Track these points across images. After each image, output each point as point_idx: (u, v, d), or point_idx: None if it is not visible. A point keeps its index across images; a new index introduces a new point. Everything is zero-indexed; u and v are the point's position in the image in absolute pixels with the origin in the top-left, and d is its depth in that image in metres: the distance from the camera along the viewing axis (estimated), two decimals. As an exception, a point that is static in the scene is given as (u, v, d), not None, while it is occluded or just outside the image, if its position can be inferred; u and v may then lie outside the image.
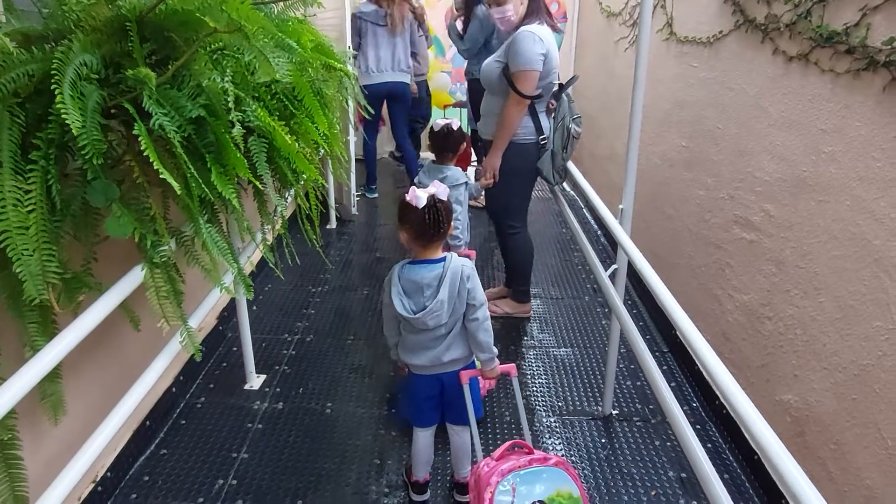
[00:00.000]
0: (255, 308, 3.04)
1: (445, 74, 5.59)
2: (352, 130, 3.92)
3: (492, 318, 3.10)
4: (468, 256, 2.63)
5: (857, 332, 1.57)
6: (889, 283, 1.45)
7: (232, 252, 1.69)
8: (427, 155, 5.79)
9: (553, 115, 2.80)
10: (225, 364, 2.58)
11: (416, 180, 2.62)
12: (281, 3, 2.48)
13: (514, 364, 1.85)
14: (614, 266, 2.14)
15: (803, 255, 1.81)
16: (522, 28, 2.56)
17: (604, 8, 4.32)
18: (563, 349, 2.80)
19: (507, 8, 2.64)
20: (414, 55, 4.29)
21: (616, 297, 1.97)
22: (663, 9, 3.00)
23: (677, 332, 1.43)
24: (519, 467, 1.61)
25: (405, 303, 1.61)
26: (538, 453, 1.66)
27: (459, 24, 3.76)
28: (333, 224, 4.14)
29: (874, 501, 1.48)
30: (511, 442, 1.69)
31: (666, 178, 2.94)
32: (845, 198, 1.63)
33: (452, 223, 2.52)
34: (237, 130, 1.37)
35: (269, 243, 2.04)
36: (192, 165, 1.39)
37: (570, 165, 2.87)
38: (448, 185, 2.49)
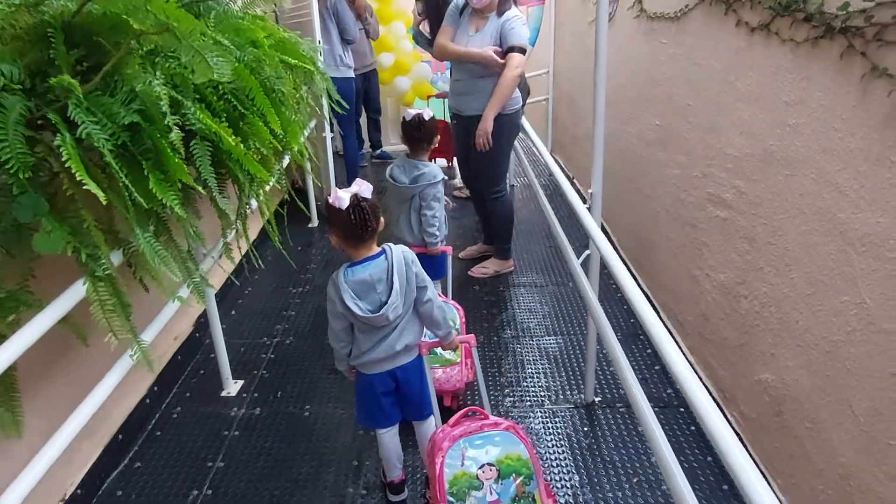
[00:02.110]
0: (233, 313, 3.01)
1: (426, 64, 5.52)
2: (327, 127, 3.86)
3: (483, 278, 3.25)
4: (444, 252, 2.59)
5: (827, 308, 1.53)
6: (855, 256, 1.41)
7: (184, 260, 1.65)
8: (392, 148, 5.77)
9: None
10: (202, 371, 2.55)
11: (388, 175, 2.56)
12: (239, 1, 2.44)
13: (472, 335, 1.89)
14: (587, 252, 2.09)
15: (774, 231, 1.76)
16: (508, 13, 2.80)
17: (578, -12, 4.25)
18: (548, 337, 2.76)
19: None
20: (346, 41, 4.05)
21: (586, 283, 1.93)
22: (632, -15, 2.94)
23: (638, 321, 1.37)
24: (470, 432, 1.63)
25: (360, 305, 1.58)
26: (492, 418, 1.67)
27: (426, 28, 3.61)
28: (315, 223, 4.10)
29: (849, 479, 1.45)
30: (467, 408, 1.70)
31: (642, 158, 2.89)
32: (810, 171, 1.58)
33: (431, 220, 2.50)
34: (175, 135, 1.33)
35: (230, 248, 2.01)
36: (127, 174, 1.35)
37: (546, 155, 2.81)
38: (426, 182, 2.46)
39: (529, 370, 2.53)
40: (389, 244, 1.65)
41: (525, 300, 3.08)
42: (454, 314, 2.22)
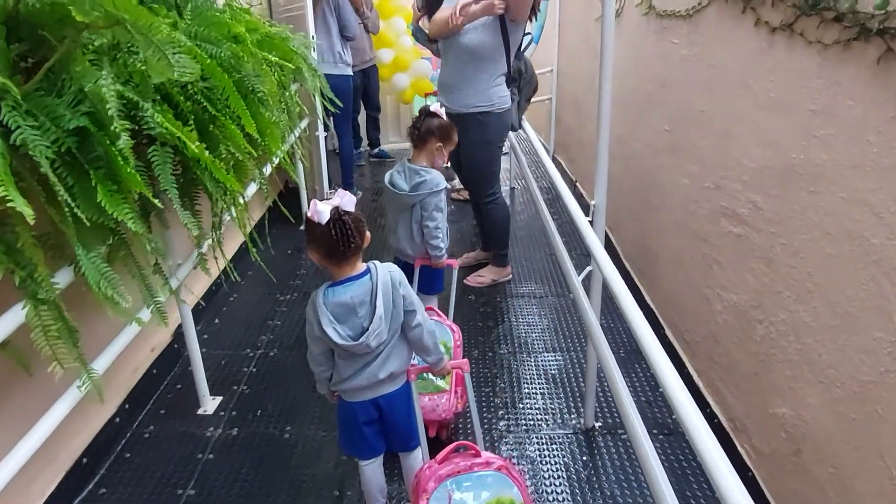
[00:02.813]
0: (217, 321, 2.86)
1: (426, 61, 5.36)
2: (320, 126, 3.70)
3: (479, 287, 3.12)
4: (450, 266, 2.41)
5: (855, 344, 1.37)
6: (890, 288, 1.25)
7: (145, 278, 1.51)
8: (390, 146, 5.62)
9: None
10: (179, 386, 2.40)
11: (387, 181, 2.37)
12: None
13: (466, 360, 1.74)
14: (588, 268, 1.94)
15: (794, 252, 1.61)
16: None
17: (585, -16, 4.08)
18: (546, 354, 2.61)
19: None
20: (346, 37, 3.90)
21: (586, 303, 1.77)
22: (641, -19, 2.77)
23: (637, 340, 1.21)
24: (459, 472, 1.48)
25: (340, 330, 1.43)
26: (484, 456, 1.52)
27: (426, 24, 3.43)
28: (307, 225, 3.94)
29: (880, 539, 1.29)
30: (456, 443, 1.55)
31: (650, 166, 2.73)
32: (839, 189, 1.42)
33: (434, 232, 2.33)
34: (123, 142, 1.18)
35: (206, 259, 1.86)
36: (73, 184, 1.21)
37: (546, 159, 2.65)
38: (427, 190, 2.26)
39: (526, 390, 2.38)
40: (375, 262, 1.50)
41: (523, 312, 2.93)
42: (448, 336, 2.05)
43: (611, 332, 2.70)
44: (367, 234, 1.48)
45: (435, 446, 1.99)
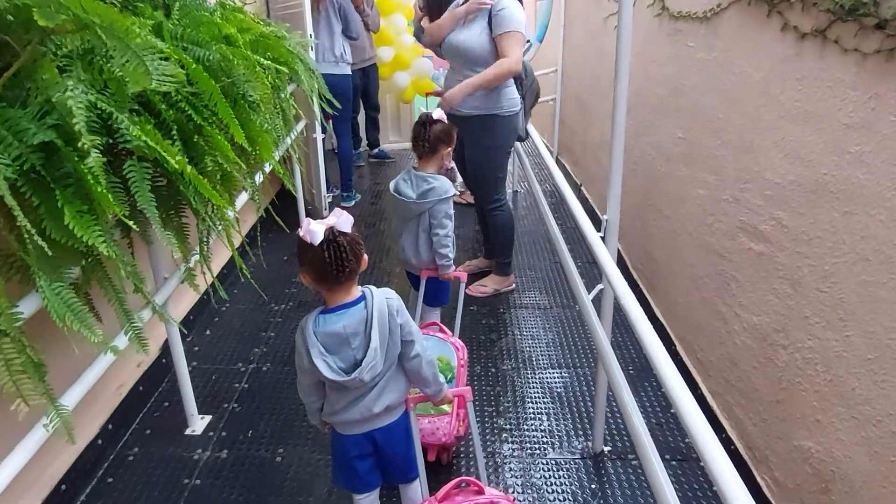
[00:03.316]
0: (208, 332, 2.74)
1: (427, 60, 5.23)
2: (318, 127, 3.58)
3: (481, 297, 3.01)
4: (458, 278, 2.30)
5: (895, 380, 1.26)
6: (940, 325, 1.14)
7: (122, 302, 1.39)
8: (390, 146, 5.50)
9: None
10: (167, 403, 2.29)
11: (392, 189, 2.25)
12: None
13: (469, 388, 1.65)
14: (599, 286, 1.82)
15: (824, 276, 1.49)
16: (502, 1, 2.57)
17: (592, -18, 3.95)
18: (552, 370, 2.50)
19: None
20: (349, 37, 3.83)
21: (597, 324, 1.65)
22: (654, -20, 2.65)
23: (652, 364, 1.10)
24: None
25: (331, 362, 1.32)
26: (487, 494, 1.41)
27: (427, 24, 3.31)
28: (304, 229, 3.82)
29: None
30: (458, 479, 1.45)
31: (661, 173, 2.61)
32: (878, 211, 1.31)
33: (443, 240, 2.21)
34: (93, 160, 1.06)
35: (194, 275, 1.75)
36: (39, 204, 1.09)
37: (550, 163, 2.53)
38: (436, 198, 2.16)
39: (531, 409, 2.27)
40: (370, 287, 1.39)
41: (527, 324, 2.82)
42: (451, 355, 1.94)
43: (619, 346, 2.59)
44: (365, 256, 1.36)
45: (435, 470, 1.89)
